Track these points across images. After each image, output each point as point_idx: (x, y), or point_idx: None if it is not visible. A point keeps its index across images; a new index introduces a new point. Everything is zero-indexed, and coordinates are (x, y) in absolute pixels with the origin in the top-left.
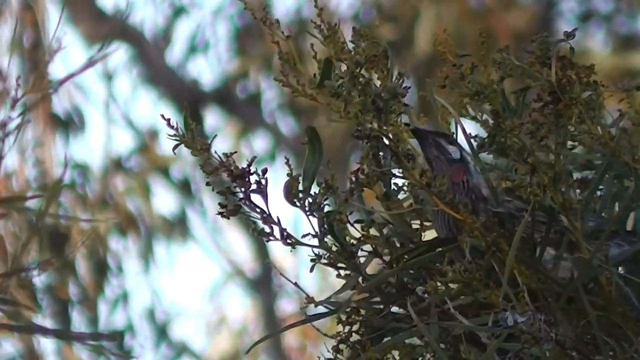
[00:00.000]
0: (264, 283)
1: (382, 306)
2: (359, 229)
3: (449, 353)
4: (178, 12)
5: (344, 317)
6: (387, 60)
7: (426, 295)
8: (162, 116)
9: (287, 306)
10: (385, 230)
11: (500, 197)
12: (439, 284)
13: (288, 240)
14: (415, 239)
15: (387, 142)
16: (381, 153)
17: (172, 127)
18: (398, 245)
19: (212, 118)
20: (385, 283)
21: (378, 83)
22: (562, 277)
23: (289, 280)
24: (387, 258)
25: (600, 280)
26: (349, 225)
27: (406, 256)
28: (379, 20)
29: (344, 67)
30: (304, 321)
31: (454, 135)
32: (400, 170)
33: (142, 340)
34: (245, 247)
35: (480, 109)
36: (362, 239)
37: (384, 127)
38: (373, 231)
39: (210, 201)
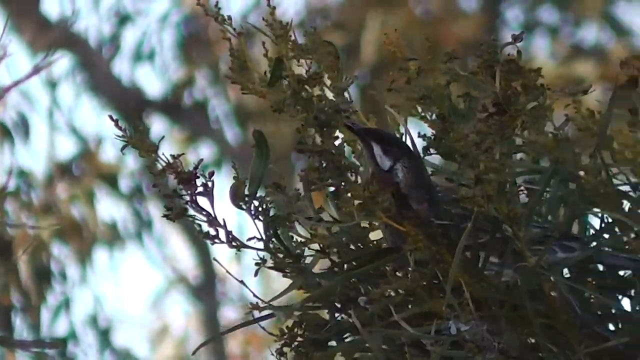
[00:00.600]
0: (206, 291)
1: (327, 310)
2: (307, 227)
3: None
4: (123, 20)
5: (286, 328)
6: (338, 61)
7: (368, 305)
8: (110, 117)
9: (230, 314)
10: (333, 230)
11: (434, 208)
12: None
13: (233, 243)
14: (364, 239)
15: (329, 156)
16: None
17: (119, 127)
18: (345, 243)
19: (158, 126)
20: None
21: (329, 83)
22: (504, 281)
23: (236, 279)
24: (335, 257)
25: (544, 289)
26: (297, 226)
27: (353, 262)
28: (325, 28)
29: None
30: (248, 322)
31: (402, 136)
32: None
33: (85, 347)
34: (188, 255)
35: (430, 108)
36: (307, 241)
37: (327, 142)
38: (322, 230)
39: (154, 209)
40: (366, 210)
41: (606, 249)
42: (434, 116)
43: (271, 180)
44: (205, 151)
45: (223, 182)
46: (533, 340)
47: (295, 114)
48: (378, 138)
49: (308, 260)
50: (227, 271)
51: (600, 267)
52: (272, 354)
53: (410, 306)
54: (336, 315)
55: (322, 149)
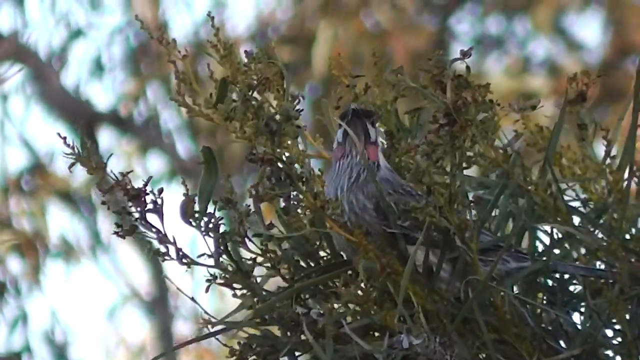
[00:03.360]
0: (160, 305)
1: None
2: (257, 244)
3: None
4: (75, 33)
5: (237, 346)
6: (283, 80)
7: (320, 318)
8: (59, 134)
9: (183, 328)
10: (284, 246)
11: (398, 182)
12: (335, 305)
13: (184, 260)
14: (314, 254)
15: (280, 165)
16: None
17: (68, 145)
18: (296, 259)
19: (108, 139)
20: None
21: (275, 103)
22: (456, 294)
23: (187, 296)
24: (285, 273)
25: (495, 301)
26: (247, 242)
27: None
28: (275, 41)
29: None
30: (202, 337)
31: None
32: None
33: None
34: (142, 270)
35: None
36: (257, 257)
37: (278, 150)
38: (272, 246)
39: (107, 223)
40: (317, 220)
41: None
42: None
43: (222, 196)
44: (156, 164)
45: (175, 195)
46: (484, 354)
47: (245, 122)
48: (366, 113)
49: (259, 280)
50: (178, 288)
51: (550, 283)
52: None
53: (361, 319)
54: (287, 331)
55: (273, 158)
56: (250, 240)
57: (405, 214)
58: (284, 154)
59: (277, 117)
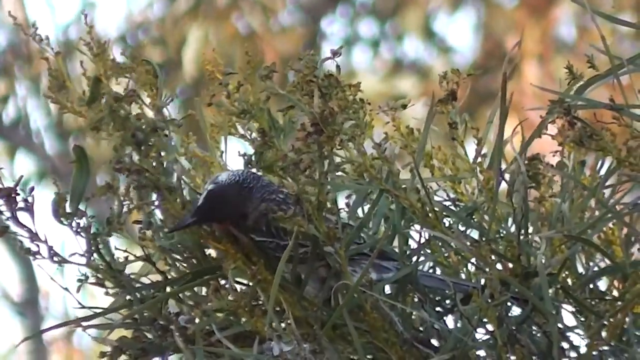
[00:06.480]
0: (30, 307)
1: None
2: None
3: None
4: None
5: (107, 351)
6: (157, 79)
7: (188, 324)
8: None
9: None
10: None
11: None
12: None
13: (55, 259)
14: (191, 246)
15: (147, 175)
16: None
17: None
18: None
19: None
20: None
21: (148, 101)
22: (326, 299)
23: (60, 286)
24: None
25: (365, 307)
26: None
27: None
28: (146, 42)
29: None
30: (71, 322)
31: (223, 154)
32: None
33: None
34: (12, 271)
35: (249, 127)
36: (130, 255)
37: (144, 161)
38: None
39: None
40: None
41: (427, 266)
42: (254, 134)
43: (102, 183)
44: (26, 165)
45: (46, 195)
46: (355, 358)
47: (112, 132)
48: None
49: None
50: (52, 278)
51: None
52: None
53: (232, 326)
54: (159, 333)
55: (140, 168)
56: (126, 232)
57: (274, 222)
58: (151, 164)
59: (144, 127)
